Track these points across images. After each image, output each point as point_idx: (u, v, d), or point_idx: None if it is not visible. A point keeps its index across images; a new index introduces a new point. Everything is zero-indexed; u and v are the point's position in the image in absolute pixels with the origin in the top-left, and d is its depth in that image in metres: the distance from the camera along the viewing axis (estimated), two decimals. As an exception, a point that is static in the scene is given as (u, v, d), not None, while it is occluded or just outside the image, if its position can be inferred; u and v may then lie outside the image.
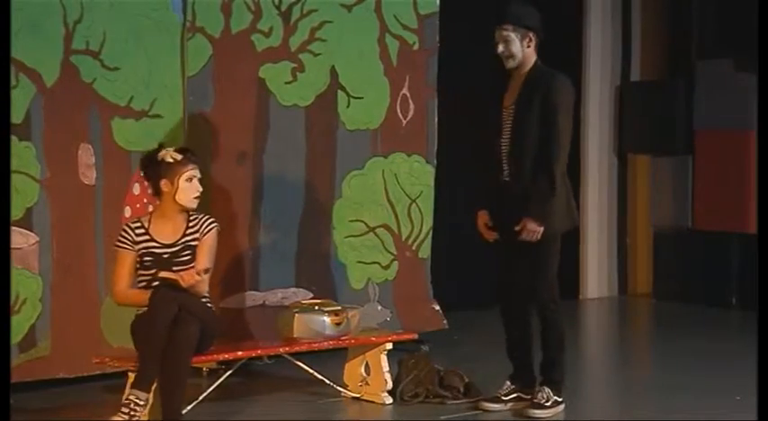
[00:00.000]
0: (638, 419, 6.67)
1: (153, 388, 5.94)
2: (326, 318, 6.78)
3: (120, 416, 5.84)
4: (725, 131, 10.35)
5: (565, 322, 6.61)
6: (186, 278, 6.08)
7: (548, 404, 6.53)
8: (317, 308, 6.85)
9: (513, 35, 6.46)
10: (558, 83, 6.45)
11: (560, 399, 6.57)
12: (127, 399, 5.87)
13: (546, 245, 6.46)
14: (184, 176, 6.25)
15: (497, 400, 6.66)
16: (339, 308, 6.92)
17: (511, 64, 6.50)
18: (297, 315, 6.77)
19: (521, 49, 6.47)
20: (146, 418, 5.93)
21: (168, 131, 7.12)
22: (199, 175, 6.30)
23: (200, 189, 6.30)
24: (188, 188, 6.27)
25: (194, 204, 6.30)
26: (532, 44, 6.49)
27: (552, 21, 10.26)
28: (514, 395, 6.67)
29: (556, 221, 6.46)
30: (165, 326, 5.93)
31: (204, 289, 6.22)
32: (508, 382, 6.69)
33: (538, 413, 6.51)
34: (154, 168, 6.26)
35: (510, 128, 6.49)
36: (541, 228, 6.37)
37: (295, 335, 6.74)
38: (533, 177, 6.40)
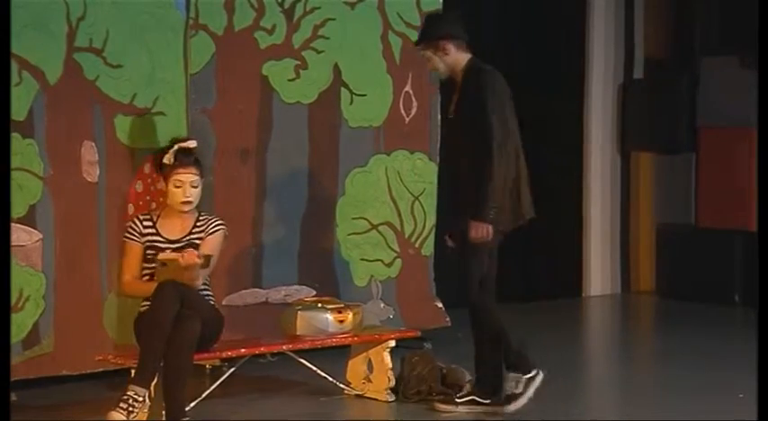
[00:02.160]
0: (640, 417, 6.67)
1: (152, 384, 5.94)
2: (329, 316, 6.79)
3: (118, 412, 5.83)
4: (728, 129, 10.33)
5: (497, 323, 6.45)
6: (187, 257, 6.09)
7: (460, 401, 6.49)
8: (320, 305, 6.86)
9: (428, 53, 6.50)
10: (483, 78, 6.38)
11: (483, 401, 6.45)
12: (125, 395, 5.87)
13: (472, 247, 6.40)
14: (172, 181, 6.28)
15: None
16: (342, 305, 6.92)
17: (443, 76, 6.59)
18: (300, 312, 6.78)
19: (440, 61, 6.48)
20: (144, 414, 5.92)
21: (171, 129, 7.12)
22: (192, 180, 6.29)
23: (188, 195, 6.28)
24: (175, 193, 6.29)
25: (183, 208, 6.30)
26: (451, 50, 6.45)
27: (555, 18, 10.33)
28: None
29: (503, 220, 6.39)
30: (167, 323, 5.93)
31: (199, 283, 6.20)
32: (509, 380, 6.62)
33: (443, 408, 6.49)
34: (159, 165, 6.37)
35: (452, 135, 6.52)
36: (486, 227, 6.28)
37: (298, 333, 6.75)
38: (473, 182, 6.33)
